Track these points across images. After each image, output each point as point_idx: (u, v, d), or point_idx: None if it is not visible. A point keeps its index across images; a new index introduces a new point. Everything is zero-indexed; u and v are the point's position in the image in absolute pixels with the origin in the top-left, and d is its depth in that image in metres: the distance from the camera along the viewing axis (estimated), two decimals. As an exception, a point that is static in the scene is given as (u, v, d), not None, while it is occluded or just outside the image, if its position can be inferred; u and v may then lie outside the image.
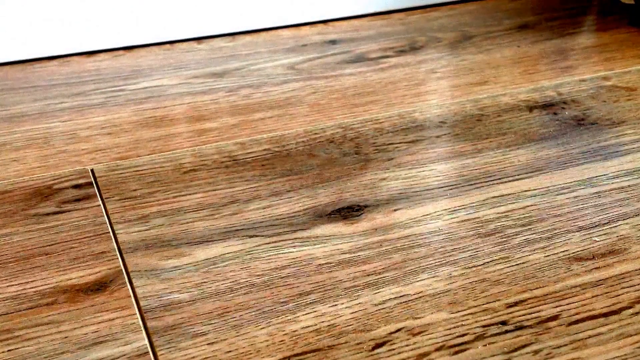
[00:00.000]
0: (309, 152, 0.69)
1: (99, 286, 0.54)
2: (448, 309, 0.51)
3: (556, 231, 0.58)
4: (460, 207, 0.61)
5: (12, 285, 0.54)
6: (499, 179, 0.65)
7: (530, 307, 0.51)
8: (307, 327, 0.50)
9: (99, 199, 0.63)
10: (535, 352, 0.48)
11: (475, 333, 0.49)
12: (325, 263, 0.56)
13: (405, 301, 0.52)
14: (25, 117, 0.76)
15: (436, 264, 0.55)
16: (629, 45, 0.90)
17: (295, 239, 0.58)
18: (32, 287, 0.54)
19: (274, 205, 0.62)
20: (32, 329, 0.50)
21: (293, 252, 0.57)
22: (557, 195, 0.63)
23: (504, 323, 0.50)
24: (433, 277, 0.54)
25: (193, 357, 0.48)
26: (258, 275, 0.54)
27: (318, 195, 0.63)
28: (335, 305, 0.52)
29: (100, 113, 0.76)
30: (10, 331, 0.50)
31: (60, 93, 0.80)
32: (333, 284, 0.54)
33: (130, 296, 0.53)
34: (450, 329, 0.50)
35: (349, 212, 0.61)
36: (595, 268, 0.55)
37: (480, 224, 0.59)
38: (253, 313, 0.51)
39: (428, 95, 0.79)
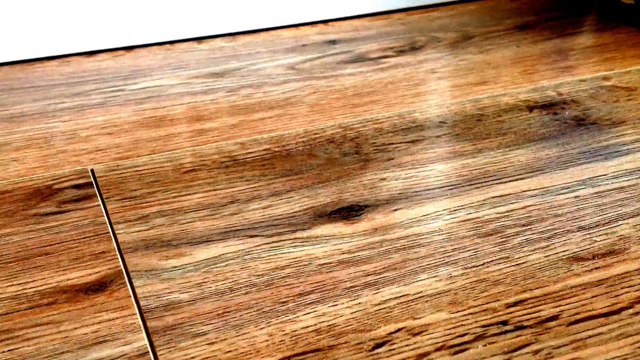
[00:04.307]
0: (309, 152, 0.69)
1: (99, 286, 0.54)
2: (448, 309, 0.51)
3: (556, 231, 0.58)
4: (460, 207, 0.61)
5: (12, 285, 0.54)
6: (499, 179, 0.65)
7: (530, 307, 0.51)
8: (307, 327, 0.50)
9: (99, 199, 0.63)
10: (535, 352, 0.48)
11: (475, 333, 0.49)
12: (325, 263, 0.56)
13: (405, 301, 0.52)
14: (25, 117, 0.76)
15: (436, 264, 0.55)
16: (629, 45, 0.90)
17: (295, 239, 0.58)
18: (32, 287, 0.54)
19: (274, 205, 0.62)
20: (32, 329, 0.50)
21: (293, 252, 0.57)
22: (557, 195, 0.63)
23: (504, 323, 0.50)
24: (433, 277, 0.54)
25: (193, 357, 0.48)
26: (258, 275, 0.54)
27: (318, 195, 0.63)
28: (335, 305, 0.52)
29: (100, 113, 0.76)
30: (10, 331, 0.50)
31: (60, 93, 0.80)
32: (333, 284, 0.54)
33: (130, 296, 0.53)
34: (450, 329, 0.50)
35: (349, 212, 0.61)
36: (595, 268, 0.55)
37: (480, 224, 0.59)
38: (253, 313, 0.51)
39: (428, 95, 0.79)
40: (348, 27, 0.96)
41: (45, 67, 0.86)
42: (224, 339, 0.49)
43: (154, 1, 0.90)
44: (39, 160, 0.68)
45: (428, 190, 0.64)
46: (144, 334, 0.50)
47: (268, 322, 0.50)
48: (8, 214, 0.61)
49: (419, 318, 0.51)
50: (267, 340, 0.49)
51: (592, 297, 0.52)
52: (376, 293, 0.53)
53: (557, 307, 0.51)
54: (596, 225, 0.59)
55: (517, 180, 0.65)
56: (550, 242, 0.57)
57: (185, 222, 0.60)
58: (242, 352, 0.48)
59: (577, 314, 0.51)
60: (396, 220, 0.60)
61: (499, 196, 0.63)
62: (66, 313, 0.51)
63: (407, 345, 0.48)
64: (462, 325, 0.50)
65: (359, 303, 0.52)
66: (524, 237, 0.58)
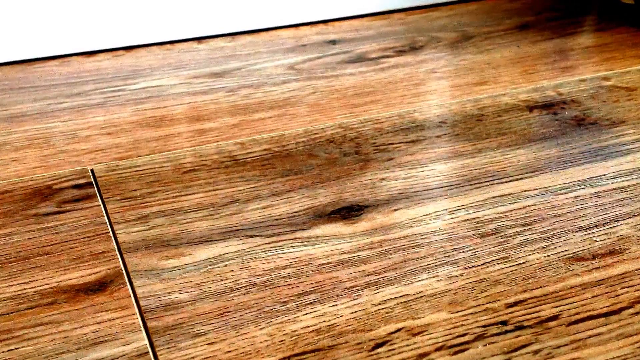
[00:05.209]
0: (309, 152, 0.69)
1: (99, 286, 0.54)
2: (448, 309, 0.51)
3: (556, 231, 0.58)
4: (460, 207, 0.61)
5: (12, 285, 0.54)
6: (499, 179, 0.65)
7: (530, 307, 0.51)
8: (307, 327, 0.50)
9: (99, 199, 0.63)
10: (535, 352, 0.48)
11: (475, 333, 0.49)
12: (325, 263, 0.56)
13: (405, 301, 0.52)
14: (25, 117, 0.76)
15: (436, 264, 0.55)
16: (629, 45, 0.90)
17: (295, 239, 0.58)
18: (32, 287, 0.54)
19: (274, 205, 0.62)
20: (32, 329, 0.50)
21: (293, 252, 0.57)
22: (557, 195, 0.63)
23: (504, 323, 0.50)
24: (433, 277, 0.54)
25: (193, 357, 0.48)
26: (258, 275, 0.54)
27: (318, 195, 0.63)
28: (335, 305, 0.52)
29: (100, 113, 0.76)
30: (10, 331, 0.50)
31: (60, 93, 0.80)
32: (333, 284, 0.54)
33: (130, 296, 0.53)
34: (450, 329, 0.50)
35: (349, 212, 0.61)
36: (595, 268, 0.55)
37: (480, 224, 0.59)
38: (253, 313, 0.51)
39: (428, 95, 0.79)
40: (348, 27, 0.96)
41: (45, 67, 0.86)
42: (224, 339, 0.49)
43: (154, 1, 0.90)
44: (39, 160, 0.68)
45: (428, 190, 0.64)
46: (144, 334, 0.50)
47: (268, 322, 0.50)
48: (8, 214, 0.61)
49: (419, 318, 0.51)
50: (267, 340, 0.49)
51: (592, 297, 0.52)
52: (376, 293, 0.53)
53: (557, 307, 0.51)
54: (596, 225, 0.59)
55: (517, 180, 0.65)
56: (550, 242, 0.57)
57: (185, 222, 0.60)
58: (242, 352, 0.48)
59: (577, 314, 0.51)
60: (396, 220, 0.60)
61: (499, 196, 0.63)
62: (66, 313, 0.51)
63: (407, 345, 0.48)
64: (462, 325, 0.50)
65: (359, 303, 0.52)
66: (524, 237, 0.58)
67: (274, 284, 0.54)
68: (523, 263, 0.55)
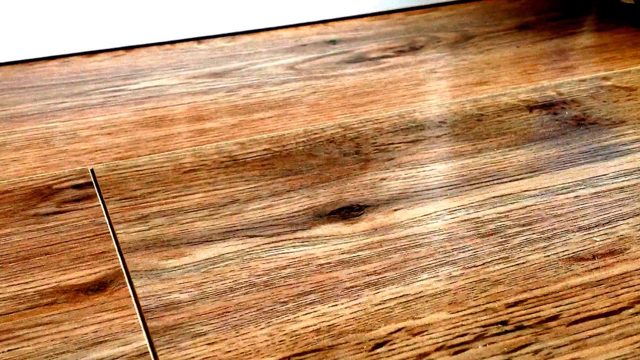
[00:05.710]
0: (309, 152, 0.69)
1: (99, 286, 0.54)
2: (448, 309, 0.51)
3: (556, 231, 0.58)
4: (460, 207, 0.61)
5: (12, 285, 0.54)
6: (499, 179, 0.65)
7: (530, 307, 0.51)
8: (307, 327, 0.50)
9: (99, 199, 0.63)
10: (535, 352, 0.48)
11: (475, 333, 0.49)
12: (325, 263, 0.56)
13: (405, 301, 0.52)
14: (25, 117, 0.76)
15: (436, 264, 0.55)
16: (629, 45, 0.90)
17: (295, 239, 0.58)
18: (32, 287, 0.54)
19: (274, 205, 0.62)
20: (32, 329, 0.50)
21: (293, 252, 0.57)
22: (557, 195, 0.63)
23: (504, 323, 0.50)
24: (433, 277, 0.54)
25: (193, 357, 0.48)
26: (258, 275, 0.54)
27: (318, 195, 0.63)
28: (335, 305, 0.52)
29: (100, 113, 0.76)
30: (10, 331, 0.50)
31: (60, 93, 0.80)
32: (333, 284, 0.54)
33: (130, 296, 0.53)
34: (450, 329, 0.50)
35: (349, 212, 0.61)
36: (595, 268, 0.55)
37: (480, 224, 0.59)
38: (253, 313, 0.51)
39: (428, 95, 0.79)
40: (348, 27, 0.96)
41: (45, 67, 0.86)
42: (224, 339, 0.49)
43: (154, 1, 0.90)
44: (39, 160, 0.68)
45: (428, 190, 0.64)
46: (144, 334, 0.50)
47: (268, 322, 0.50)
48: (8, 214, 0.61)
49: (419, 318, 0.51)
50: (267, 340, 0.49)
51: (592, 297, 0.52)
52: (376, 293, 0.53)
53: (557, 307, 0.51)
54: (596, 225, 0.59)
55: (517, 180, 0.65)
56: (550, 242, 0.57)
57: (185, 222, 0.60)
58: (242, 352, 0.48)
59: (577, 314, 0.51)
60: (396, 220, 0.60)
61: (499, 196, 0.63)
62: (66, 313, 0.51)
63: (407, 345, 0.48)
64: (462, 325, 0.50)
65: (359, 303, 0.52)
66: (524, 237, 0.58)
67: (274, 284, 0.54)
68: (523, 263, 0.55)
